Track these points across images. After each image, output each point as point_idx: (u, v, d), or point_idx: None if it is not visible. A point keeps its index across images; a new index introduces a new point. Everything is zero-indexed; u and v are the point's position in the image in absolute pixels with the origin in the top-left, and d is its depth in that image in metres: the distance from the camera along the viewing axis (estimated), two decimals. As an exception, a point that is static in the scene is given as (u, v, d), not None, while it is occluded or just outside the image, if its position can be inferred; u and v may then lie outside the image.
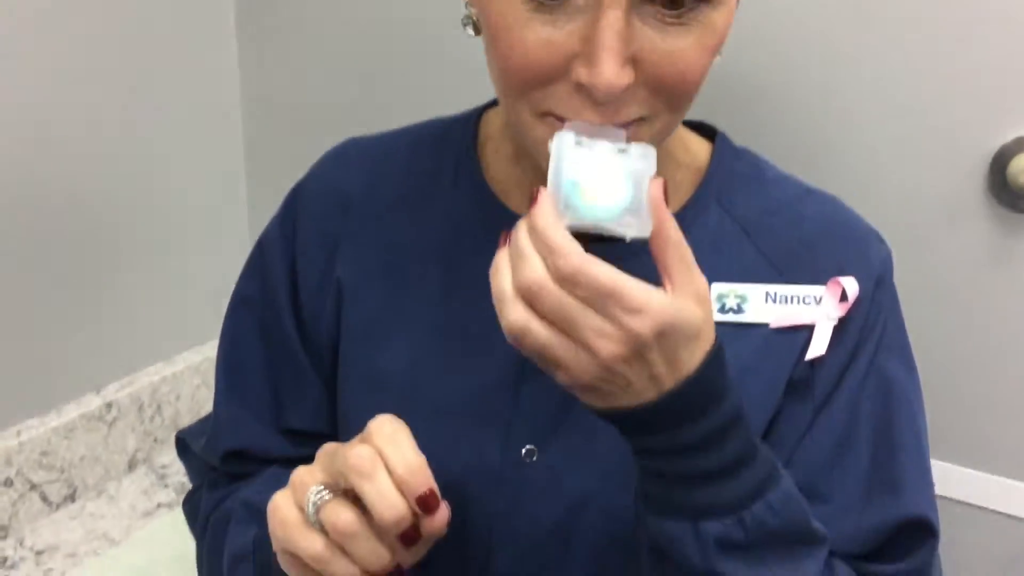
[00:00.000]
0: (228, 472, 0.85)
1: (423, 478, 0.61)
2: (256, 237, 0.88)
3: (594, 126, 0.63)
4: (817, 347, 0.74)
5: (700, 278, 0.60)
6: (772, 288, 0.74)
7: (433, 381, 0.76)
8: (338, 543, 0.61)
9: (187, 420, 1.51)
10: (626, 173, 0.61)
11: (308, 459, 0.83)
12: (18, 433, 1.30)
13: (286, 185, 0.87)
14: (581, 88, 0.62)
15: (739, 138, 0.83)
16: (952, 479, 1.06)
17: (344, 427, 0.81)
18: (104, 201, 1.35)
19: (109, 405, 1.39)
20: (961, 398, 1.05)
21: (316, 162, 0.86)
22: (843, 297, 0.74)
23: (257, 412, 0.83)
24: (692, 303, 0.58)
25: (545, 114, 0.65)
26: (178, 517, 1.34)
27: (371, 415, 0.77)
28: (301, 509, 0.63)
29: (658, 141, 0.67)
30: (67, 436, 1.34)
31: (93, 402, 1.38)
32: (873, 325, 0.76)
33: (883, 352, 0.76)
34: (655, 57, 0.61)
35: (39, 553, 1.28)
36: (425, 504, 0.62)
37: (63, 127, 1.28)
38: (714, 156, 0.78)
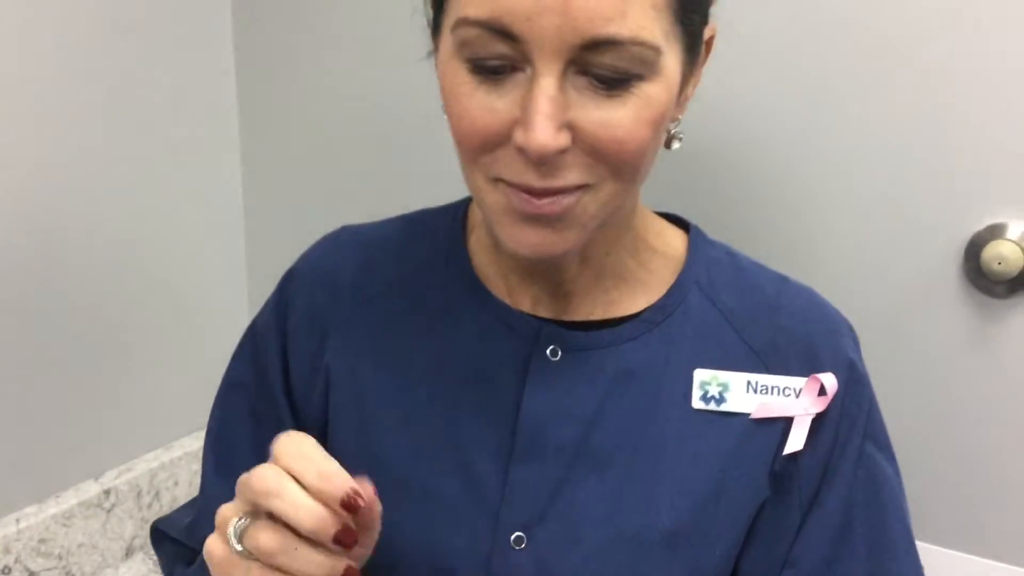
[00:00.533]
0: None
1: (339, 481, 0.61)
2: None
3: None
4: (795, 442, 0.76)
5: None
6: (753, 377, 0.76)
7: (424, 465, 0.78)
8: (273, 564, 0.61)
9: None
10: None
11: None
12: (17, 520, 1.31)
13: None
14: (521, 152, 0.65)
15: (712, 223, 0.86)
16: (934, 562, 1.07)
17: None
18: (103, 289, 1.38)
19: (107, 492, 1.41)
20: (940, 481, 1.07)
21: (310, 247, 0.89)
22: (821, 391, 0.76)
23: None
24: None
25: (496, 180, 0.68)
26: (174, 604, 1.35)
27: None
28: (227, 543, 0.63)
29: (610, 212, 0.69)
30: (65, 523, 1.35)
31: (92, 489, 1.39)
32: (855, 416, 0.78)
33: (869, 443, 0.78)
34: (591, 125, 0.64)
35: (35, 642, 1.28)
36: (349, 506, 0.61)
37: (60, 213, 1.31)
38: (690, 245, 0.82)
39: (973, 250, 1.01)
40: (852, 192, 1.05)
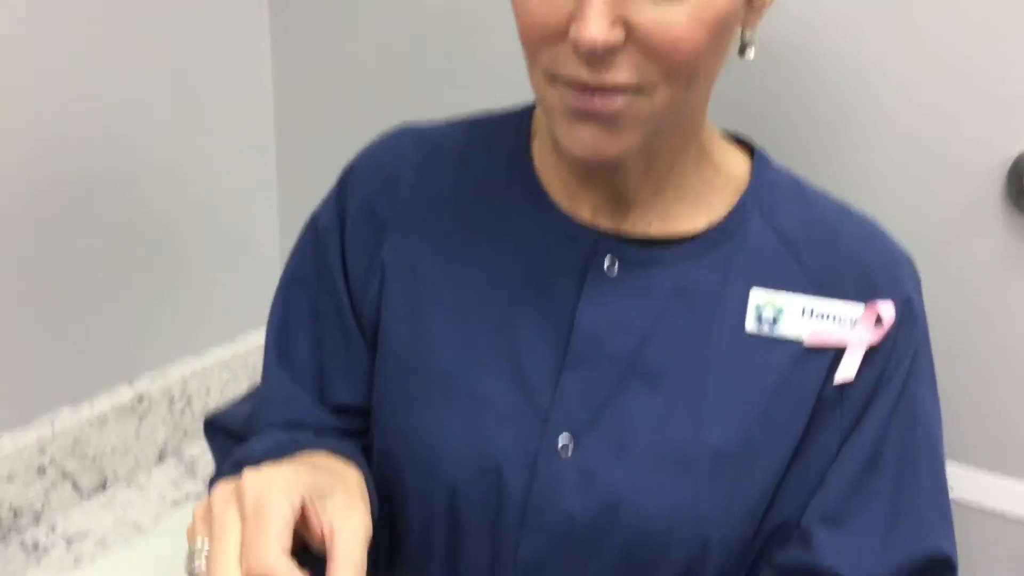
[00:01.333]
0: None
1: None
2: (286, 240, 0.89)
3: None
4: (846, 371, 0.75)
5: None
6: (809, 303, 0.76)
7: (474, 367, 0.78)
8: None
9: (216, 414, 1.53)
10: None
11: (355, 432, 0.84)
12: (51, 422, 1.32)
13: (316, 187, 0.89)
14: (575, 46, 0.64)
15: (754, 137, 0.84)
16: (970, 483, 1.07)
17: (380, 408, 0.82)
18: (139, 194, 1.37)
19: (140, 397, 1.42)
20: (979, 403, 1.06)
21: (370, 144, 0.88)
22: (877, 321, 0.75)
23: (306, 387, 0.84)
24: None
25: (553, 77, 0.68)
26: (207, 509, 1.36)
27: (411, 397, 0.79)
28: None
29: (664, 118, 0.68)
30: (99, 426, 1.37)
31: (125, 394, 1.41)
32: (904, 351, 0.77)
33: (913, 380, 0.78)
34: (645, 23, 0.63)
35: (70, 539, 1.30)
36: None
37: (97, 123, 1.30)
38: (754, 168, 0.80)
39: (1017, 171, 0.98)
40: (895, 113, 1.03)
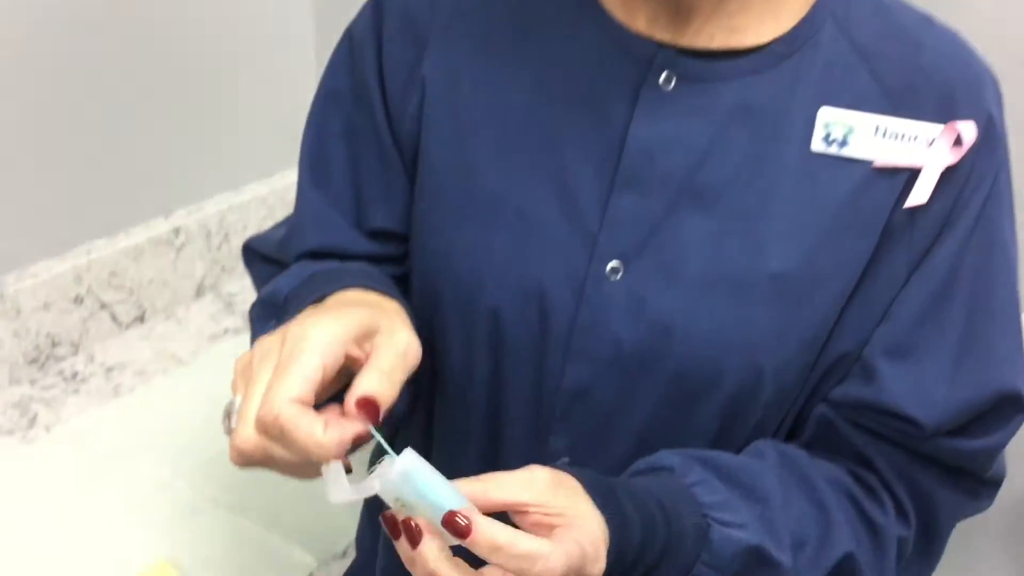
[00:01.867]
0: None
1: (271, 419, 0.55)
2: (323, 71, 0.84)
3: None
4: (920, 194, 0.70)
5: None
6: (883, 121, 0.70)
7: (520, 188, 0.73)
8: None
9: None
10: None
11: (391, 258, 0.81)
12: (88, 252, 1.30)
13: (354, 14, 0.83)
14: None
15: None
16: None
17: (421, 227, 0.78)
18: (177, 28, 1.32)
19: (177, 230, 1.39)
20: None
21: None
22: (956, 142, 0.69)
23: (342, 210, 0.81)
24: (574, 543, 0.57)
25: None
26: (246, 342, 1.36)
27: (454, 216, 0.75)
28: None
29: None
30: (135, 258, 1.35)
31: (161, 226, 1.38)
32: (984, 174, 0.71)
33: (993, 204, 0.72)
34: None
35: (109, 369, 1.30)
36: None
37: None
38: None
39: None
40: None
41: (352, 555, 1.03)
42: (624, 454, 0.74)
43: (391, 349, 0.59)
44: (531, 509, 0.58)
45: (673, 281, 0.71)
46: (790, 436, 0.78)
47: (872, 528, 0.73)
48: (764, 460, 0.73)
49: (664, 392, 0.72)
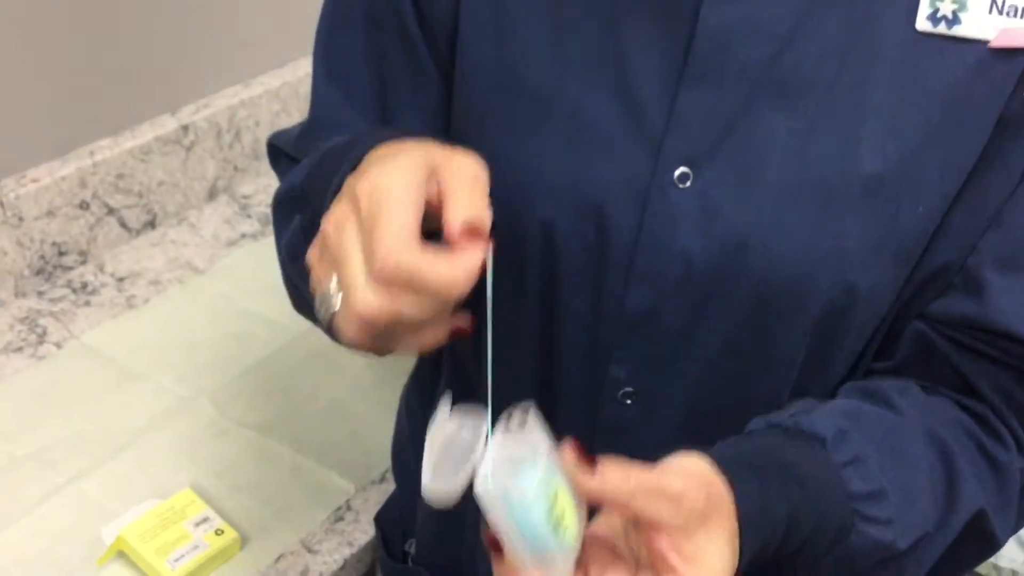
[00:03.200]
0: None
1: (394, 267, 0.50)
2: None
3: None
4: None
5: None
6: (1001, -8, 0.60)
7: (574, 84, 0.64)
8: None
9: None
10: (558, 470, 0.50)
11: None
12: (91, 153, 1.22)
13: None
14: None
15: None
16: None
17: (462, 129, 0.69)
18: None
19: (185, 128, 1.30)
20: None
21: None
22: None
23: (363, 108, 0.72)
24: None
25: None
26: (263, 248, 1.28)
27: (497, 120, 0.66)
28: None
29: None
30: (143, 159, 1.26)
31: (168, 124, 1.29)
32: None
33: None
34: None
35: (121, 279, 1.22)
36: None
37: None
38: None
39: None
40: None
41: (390, 481, 0.97)
42: (695, 383, 0.67)
43: (463, 175, 0.53)
44: (662, 537, 0.51)
45: (751, 188, 0.62)
46: (879, 355, 0.70)
47: (996, 468, 0.65)
48: (902, 415, 0.65)
49: (741, 315, 0.64)
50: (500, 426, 0.52)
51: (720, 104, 0.62)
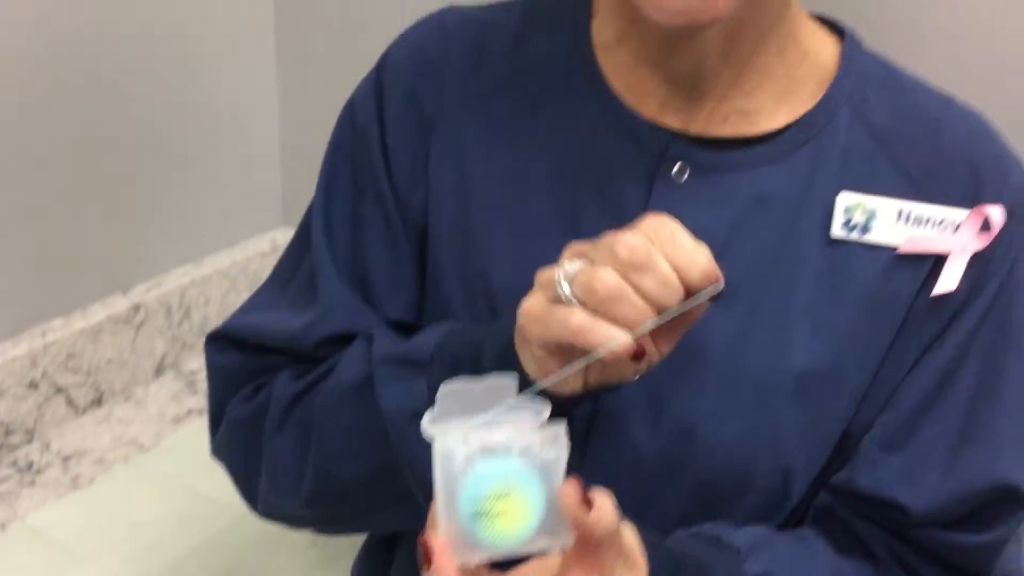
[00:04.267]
0: (318, 359, 0.74)
1: (706, 268, 0.56)
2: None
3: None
4: (947, 282, 0.67)
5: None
6: (906, 205, 0.67)
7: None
8: (600, 310, 0.55)
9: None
10: (533, 480, 0.53)
11: None
12: (43, 334, 1.24)
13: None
14: None
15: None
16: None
17: (427, 324, 0.73)
18: (135, 101, 1.28)
19: (136, 307, 1.33)
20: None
21: (408, 29, 0.76)
22: (984, 227, 0.67)
23: (363, 299, 0.75)
24: None
25: None
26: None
27: (469, 317, 0.70)
28: (550, 297, 0.57)
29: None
30: (93, 338, 1.28)
31: (120, 304, 1.32)
32: (1002, 259, 0.69)
33: (1008, 291, 0.69)
34: None
35: (66, 458, 1.22)
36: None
37: (92, 26, 1.20)
38: (844, 55, 0.70)
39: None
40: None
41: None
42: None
43: None
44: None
45: (695, 383, 0.67)
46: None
47: None
48: (813, 550, 0.69)
49: (689, 500, 0.68)
50: (524, 410, 0.54)
51: None
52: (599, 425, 0.67)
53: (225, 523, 1.14)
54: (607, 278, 0.54)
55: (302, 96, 1.44)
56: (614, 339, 0.54)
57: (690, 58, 0.67)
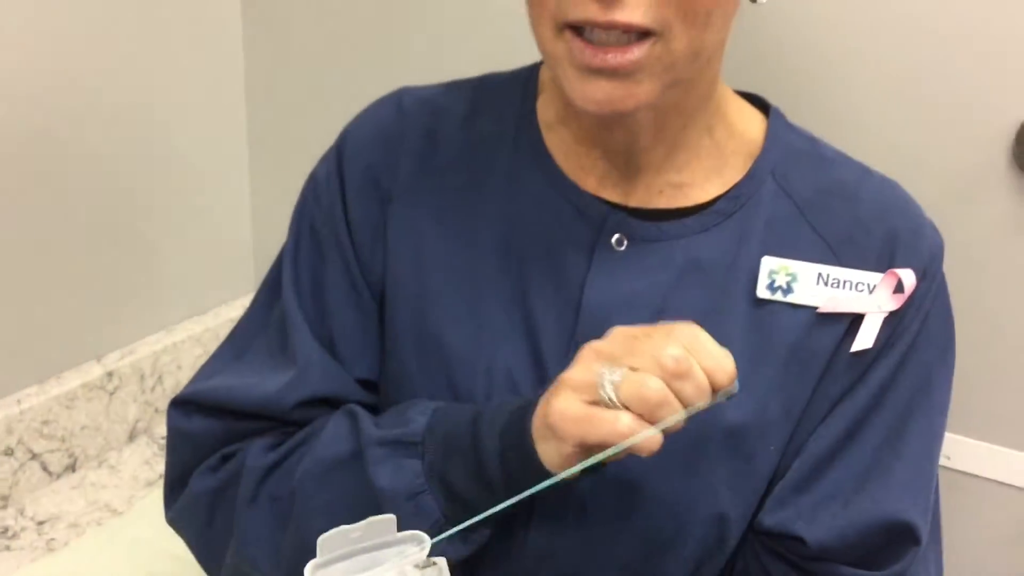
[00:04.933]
0: (293, 422, 0.77)
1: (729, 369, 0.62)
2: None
3: None
4: (864, 340, 0.73)
5: None
6: (825, 269, 0.73)
7: (489, 345, 0.74)
8: (647, 414, 0.60)
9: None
10: None
11: (377, 408, 0.78)
12: (18, 401, 1.27)
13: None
14: None
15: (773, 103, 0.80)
16: (972, 453, 1.06)
17: (395, 387, 0.78)
18: (105, 170, 1.32)
19: (110, 374, 1.37)
20: (986, 373, 1.04)
21: (366, 109, 0.82)
22: (898, 288, 0.73)
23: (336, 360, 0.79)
24: None
25: (561, 28, 0.64)
26: (183, 489, 1.32)
27: (424, 379, 0.75)
28: (590, 400, 0.61)
29: (679, 67, 0.65)
30: (68, 405, 1.32)
31: (94, 371, 1.35)
32: (913, 318, 0.74)
33: (919, 347, 0.75)
34: None
35: (41, 523, 1.25)
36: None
37: (61, 97, 1.24)
38: (769, 129, 0.77)
39: (1023, 135, 0.96)
40: (899, 77, 1.00)
41: None
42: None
43: None
44: None
45: None
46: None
47: None
48: None
49: (631, 548, 0.72)
50: (406, 547, 0.57)
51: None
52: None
53: (197, 584, 1.16)
54: (656, 387, 0.59)
55: (273, 164, 1.49)
56: (649, 437, 0.59)
57: (624, 138, 0.73)
